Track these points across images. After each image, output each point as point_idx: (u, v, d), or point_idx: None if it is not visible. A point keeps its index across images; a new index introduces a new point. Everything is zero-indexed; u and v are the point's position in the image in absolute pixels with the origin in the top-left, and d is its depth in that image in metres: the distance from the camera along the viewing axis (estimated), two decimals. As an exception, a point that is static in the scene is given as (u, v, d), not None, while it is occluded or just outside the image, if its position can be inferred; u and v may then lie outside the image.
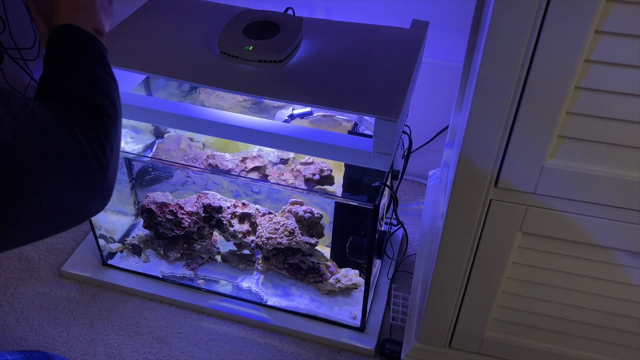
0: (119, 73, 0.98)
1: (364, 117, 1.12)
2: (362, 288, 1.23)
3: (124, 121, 1.15)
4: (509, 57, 0.66)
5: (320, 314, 1.25)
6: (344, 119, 1.16)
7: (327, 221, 1.21)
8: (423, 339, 1.05)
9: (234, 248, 1.31)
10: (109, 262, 1.36)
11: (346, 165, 1.06)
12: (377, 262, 1.32)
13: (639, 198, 0.74)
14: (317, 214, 1.19)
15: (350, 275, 1.26)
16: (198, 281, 1.31)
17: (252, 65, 0.98)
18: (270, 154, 1.14)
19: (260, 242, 1.21)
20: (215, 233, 1.30)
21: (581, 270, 0.86)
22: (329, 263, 1.26)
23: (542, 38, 0.64)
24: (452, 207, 0.83)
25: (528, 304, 0.93)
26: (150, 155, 1.15)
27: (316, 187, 1.08)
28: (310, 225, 1.20)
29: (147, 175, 1.37)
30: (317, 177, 1.07)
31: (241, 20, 1.04)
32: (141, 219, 1.30)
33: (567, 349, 0.98)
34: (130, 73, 1.00)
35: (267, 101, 1.19)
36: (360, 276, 1.27)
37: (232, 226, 1.24)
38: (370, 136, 0.95)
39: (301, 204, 1.20)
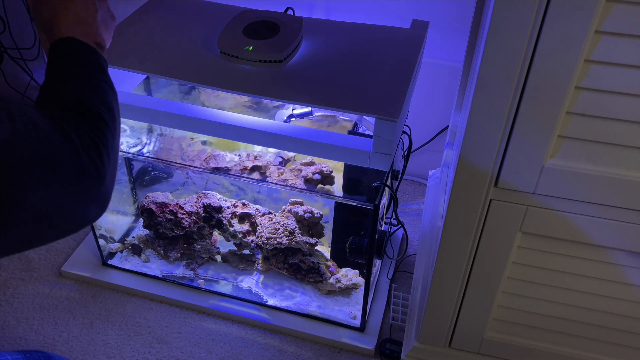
0: (119, 73, 0.99)
1: (364, 117, 1.12)
2: (362, 288, 1.23)
3: (124, 121, 1.15)
4: (509, 57, 0.66)
5: (320, 314, 1.25)
6: (344, 119, 1.16)
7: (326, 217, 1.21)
8: (423, 339, 1.05)
9: (234, 248, 1.31)
10: (109, 262, 1.36)
11: (346, 165, 1.06)
12: (377, 262, 1.32)
13: (638, 198, 0.74)
14: (317, 213, 1.19)
15: (350, 275, 1.26)
16: (198, 281, 1.31)
17: (252, 65, 0.98)
18: (271, 153, 1.14)
19: (260, 242, 1.21)
20: (215, 233, 1.30)
21: (581, 270, 0.86)
22: (329, 263, 1.26)
23: (542, 38, 0.64)
24: (452, 207, 0.83)
25: (528, 304, 0.93)
26: (150, 155, 1.15)
27: (316, 187, 1.08)
28: (310, 225, 1.20)
29: (147, 175, 1.37)
30: (317, 177, 1.07)
31: (241, 20, 1.04)
32: (141, 219, 1.30)
33: (567, 349, 0.98)
34: (130, 73, 1.00)
35: (267, 101, 1.19)
36: (360, 276, 1.27)
37: (232, 226, 1.24)
38: (370, 136, 0.95)
39: (301, 204, 1.21)
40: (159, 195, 1.27)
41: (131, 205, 1.40)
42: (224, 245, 1.32)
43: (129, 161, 1.30)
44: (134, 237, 1.37)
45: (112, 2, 0.75)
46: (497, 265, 0.88)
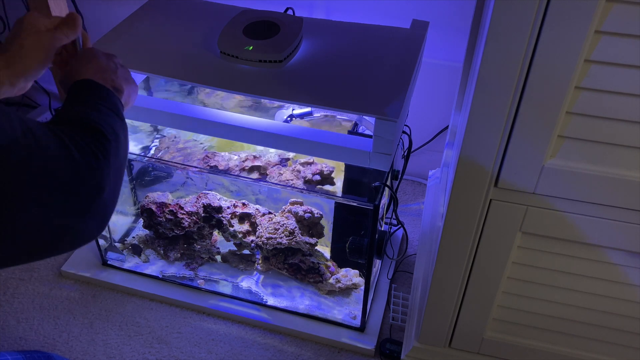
0: (119, 73, 0.99)
1: (364, 117, 1.12)
2: (362, 288, 1.23)
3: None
4: (509, 57, 0.66)
5: (320, 314, 1.25)
6: (344, 119, 1.16)
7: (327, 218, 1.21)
8: (423, 339, 1.05)
9: (234, 248, 1.31)
10: (109, 261, 1.36)
11: (346, 165, 1.06)
12: (377, 262, 1.32)
13: (638, 198, 0.75)
14: (317, 213, 1.19)
15: (350, 275, 1.26)
16: (198, 281, 1.31)
17: (252, 65, 0.98)
18: (271, 153, 1.14)
19: (260, 242, 1.21)
20: (215, 233, 1.30)
21: (581, 270, 0.86)
22: (329, 263, 1.26)
23: (542, 38, 0.64)
24: (452, 207, 0.83)
25: (528, 304, 0.93)
26: (150, 155, 1.15)
27: (316, 187, 1.08)
28: (310, 225, 1.20)
29: (147, 175, 1.37)
30: (317, 177, 1.07)
31: (241, 20, 1.04)
32: (141, 219, 1.30)
33: (567, 349, 0.98)
34: (130, 73, 1.00)
35: (267, 101, 1.19)
36: (360, 276, 1.27)
37: (232, 226, 1.24)
38: (370, 136, 0.95)
39: (301, 204, 1.21)
40: (159, 195, 1.27)
41: (131, 205, 1.40)
42: (224, 245, 1.32)
43: (129, 161, 1.30)
44: (134, 237, 1.37)
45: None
46: (497, 265, 0.88)
